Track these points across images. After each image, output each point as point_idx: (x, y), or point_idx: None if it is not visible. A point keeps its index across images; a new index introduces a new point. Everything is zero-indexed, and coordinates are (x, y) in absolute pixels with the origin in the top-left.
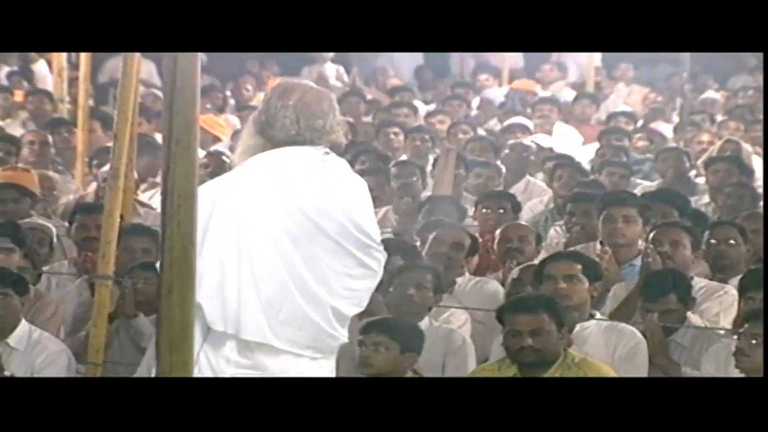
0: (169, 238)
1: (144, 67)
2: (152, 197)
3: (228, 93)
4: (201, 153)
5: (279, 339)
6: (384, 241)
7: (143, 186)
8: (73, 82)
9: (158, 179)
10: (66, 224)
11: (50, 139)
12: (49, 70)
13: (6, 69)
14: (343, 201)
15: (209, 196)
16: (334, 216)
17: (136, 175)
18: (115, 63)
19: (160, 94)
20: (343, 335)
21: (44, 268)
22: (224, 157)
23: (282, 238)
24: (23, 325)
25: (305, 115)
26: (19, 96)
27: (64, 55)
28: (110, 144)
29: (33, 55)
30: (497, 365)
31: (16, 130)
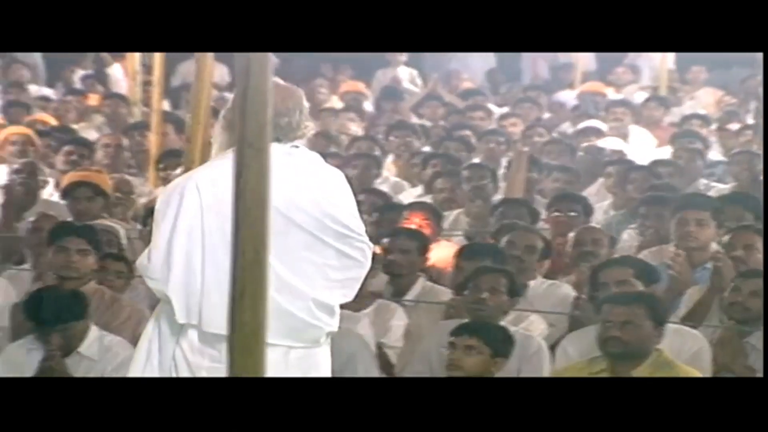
0: (242, 242)
1: (217, 70)
2: None
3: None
4: None
5: None
6: (471, 246)
7: None
8: (146, 85)
9: None
10: (139, 227)
11: (124, 142)
12: (123, 73)
13: (80, 73)
14: (314, 193)
15: (177, 190)
16: (306, 209)
17: None
18: (188, 66)
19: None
20: (328, 324)
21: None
22: None
23: None
24: (93, 332)
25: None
26: (93, 100)
27: (138, 58)
28: (179, 147)
29: (107, 58)
30: (587, 362)
31: (90, 134)
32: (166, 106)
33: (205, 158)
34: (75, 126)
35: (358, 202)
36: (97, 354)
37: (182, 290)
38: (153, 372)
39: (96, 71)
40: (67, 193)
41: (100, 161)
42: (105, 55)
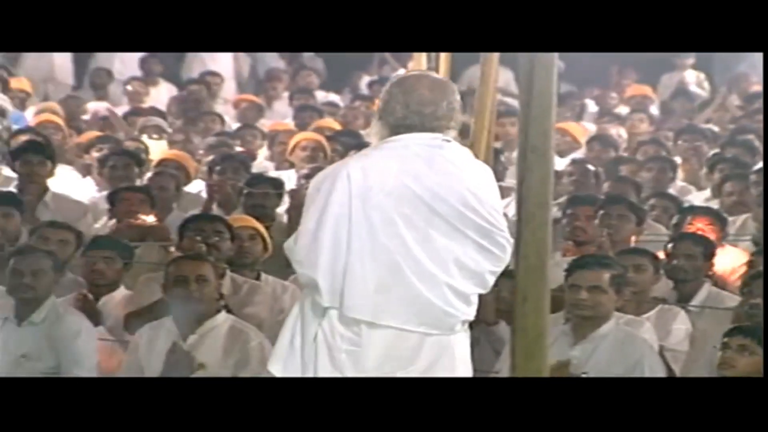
0: (524, 246)
1: (502, 75)
2: (507, 206)
3: (588, 101)
4: (565, 161)
5: (387, 316)
6: None
7: None
8: None
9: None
10: None
11: None
12: None
13: (367, 78)
14: (459, 187)
15: (329, 177)
16: (450, 201)
17: None
18: (474, 72)
19: (514, 102)
20: (464, 313)
21: None
22: (588, 165)
23: (396, 221)
24: None
25: (415, 101)
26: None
27: (424, 63)
28: None
29: (394, 63)
30: None
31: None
32: None
33: (488, 163)
34: (362, 132)
35: (650, 206)
36: None
37: (329, 274)
38: (295, 354)
39: (381, 77)
40: None
41: None
42: (392, 60)
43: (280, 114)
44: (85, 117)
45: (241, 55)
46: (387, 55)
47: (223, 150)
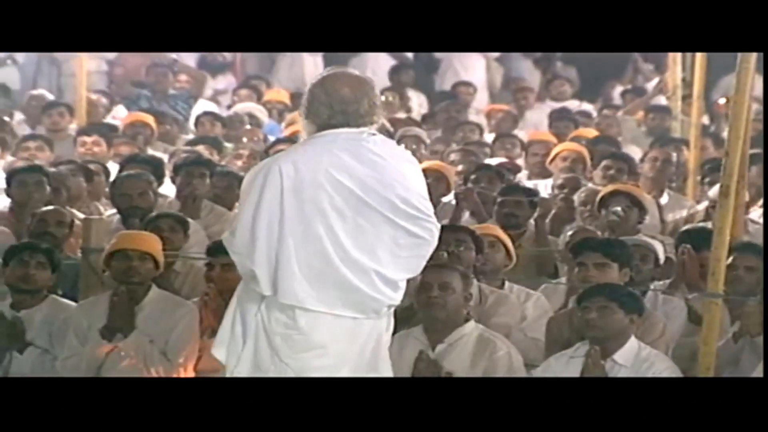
0: None
1: (758, 83)
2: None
3: None
4: None
5: (318, 302)
6: None
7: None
8: (686, 99)
9: None
10: (670, 241)
11: (674, 157)
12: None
13: (619, 87)
14: (386, 177)
15: (262, 171)
16: (378, 191)
17: (747, 193)
18: (729, 80)
19: None
20: (390, 298)
21: (651, 285)
22: None
23: (327, 212)
24: (632, 342)
25: (337, 100)
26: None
27: (679, 73)
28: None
29: (647, 72)
30: None
31: (630, 150)
32: (705, 120)
33: (744, 172)
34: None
35: None
36: (632, 362)
37: (265, 265)
38: (236, 339)
39: (635, 86)
40: (602, 204)
41: (645, 174)
42: (645, 68)
43: (532, 123)
44: None
45: (494, 64)
46: (640, 63)
47: (471, 159)
